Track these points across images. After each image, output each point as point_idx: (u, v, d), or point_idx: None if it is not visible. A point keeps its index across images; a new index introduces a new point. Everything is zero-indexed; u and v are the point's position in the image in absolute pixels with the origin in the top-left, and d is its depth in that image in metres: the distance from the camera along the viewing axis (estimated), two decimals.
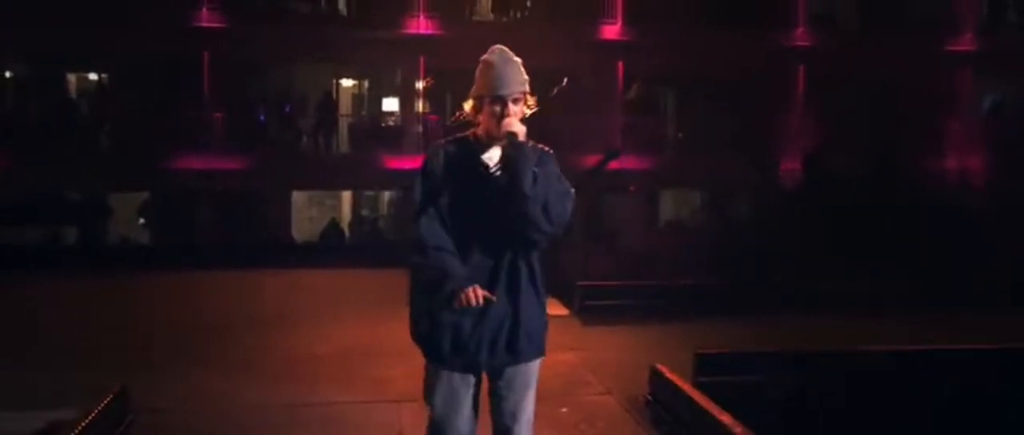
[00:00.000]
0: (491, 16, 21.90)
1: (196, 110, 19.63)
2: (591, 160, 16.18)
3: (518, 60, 3.22)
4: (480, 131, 3.24)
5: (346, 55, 20.95)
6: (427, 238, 3.13)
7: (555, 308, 9.02)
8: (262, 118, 20.76)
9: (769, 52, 21.70)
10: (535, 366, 3.30)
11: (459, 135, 3.32)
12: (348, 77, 23.09)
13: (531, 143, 3.18)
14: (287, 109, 20.77)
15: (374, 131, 21.59)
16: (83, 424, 4.65)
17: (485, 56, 3.24)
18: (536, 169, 3.09)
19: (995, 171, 21.06)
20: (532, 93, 3.25)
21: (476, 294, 3.09)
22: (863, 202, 15.44)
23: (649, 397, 5.62)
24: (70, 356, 7.25)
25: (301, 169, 20.35)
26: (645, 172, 21.06)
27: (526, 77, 3.21)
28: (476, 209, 3.15)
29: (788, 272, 11.26)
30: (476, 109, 3.23)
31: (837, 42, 22.06)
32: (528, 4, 22.19)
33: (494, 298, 3.11)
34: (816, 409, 5.63)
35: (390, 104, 22.65)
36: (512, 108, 3.15)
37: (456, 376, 3.24)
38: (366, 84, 23.44)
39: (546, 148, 3.25)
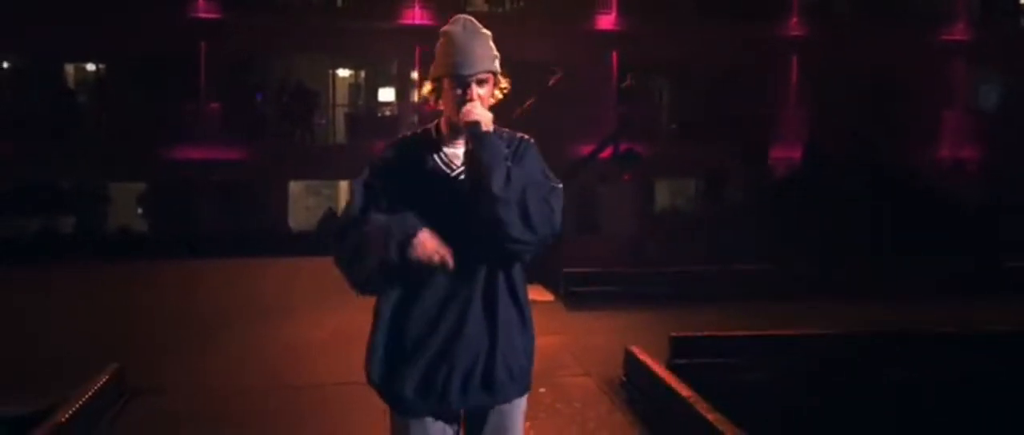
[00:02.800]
0: (486, 7, 22.04)
1: (193, 101, 19.81)
2: (586, 149, 16.40)
3: (487, 33, 2.64)
4: (443, 122, 2.68)
5: (342, 45, 21.13)
6: (353, 210, 2.62)
7: (540, 294, 9.23)
8: (259, 107, 20.94)
9: (763, 41, 21.85)
10: (519, 407, 2.71)
11: (420, 129, 2.77)
12: (344, 67, 23.26)
13: (505, 132, 2.64)
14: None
15: (370, 121, 21.77)
16: (80, 402, 4.87)
17: (446, 27, 2.64)
18: (511, 164, 2.52)
19: (990, 160, 21.30)
20: (504, 74, 2.67)
21: (434, 246, 2.50)
22: (851, 189, 15.64)
23: (624, 378, 5.82)
24: (68, 340, 7.47)
25: (297, 159, 20.53)
26: (642, 160, 21.23)
27: (496, 53, 2.63)
28: (439, 219, 2.55)
29: (775, 259, 11.48)
30: (435, 93, 2.66)
31: (830, 31, 22.21)
32: None
33: (451, 264, 2.51)
34: (785, 390, 5.83)
35: (386, 94, 22.85)
36: (477, 91, 2.58)
37: (429, 427, 2.66)
38: (362, 74, 23.62)
39: (525, 137, 2.69)
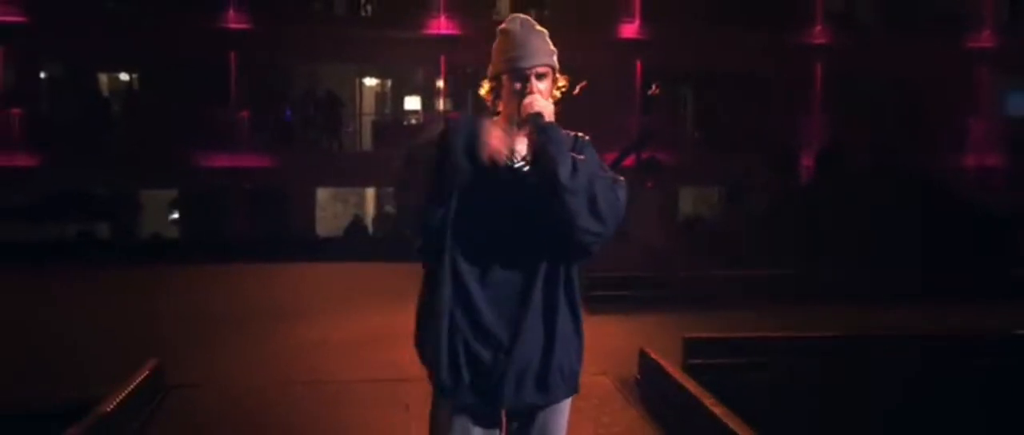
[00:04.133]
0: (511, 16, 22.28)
1: (223, 109, 20.21)
2: (608, 158, 16.59)
3: (543, 30, 2.62)
4: (501, 119, 2.62)
5: (369, 55, 21.45)
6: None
7: None
8: (288, 117, 21.33)
9: (787, 49, 21.90)
10: (566, 407, 2.70)
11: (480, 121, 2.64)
12: (371, 76, 23.60)
13: (563, 130, 2.58)
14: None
15: (396, 129, 22.08)
16: (120, 397, 5.14)
17: (503, 25, 2.63)
18: (575, 155, 2.49)
19: (1016, 167, 21.24)
20: (563, 72, 2.66)
21: (501, 139, 2.47)
22: (876, 197, 15.73)
23: (639, 377, 6.02)
24: (106, 338, 7.78)
25: (324, 167, 20.86)
26: (664, 168, 21.35)
27: (553, 49, 2.62)
28: (499, 216, 2.52)
29: (798, 265, 11.63)
30: (493, 91, 2.65)
31: (855, 39, 22.23)
32: (547, 3, 22.56)
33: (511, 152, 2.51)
34: (793, 389, 6.00)
35: (412, 103, 23.17)
36: (536, 85, 2.56)
37: (470, 427, 2.59)
38: (388, 83, 23.95)
39: (583, 134, 2.66)
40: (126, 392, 5.13)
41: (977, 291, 10.06)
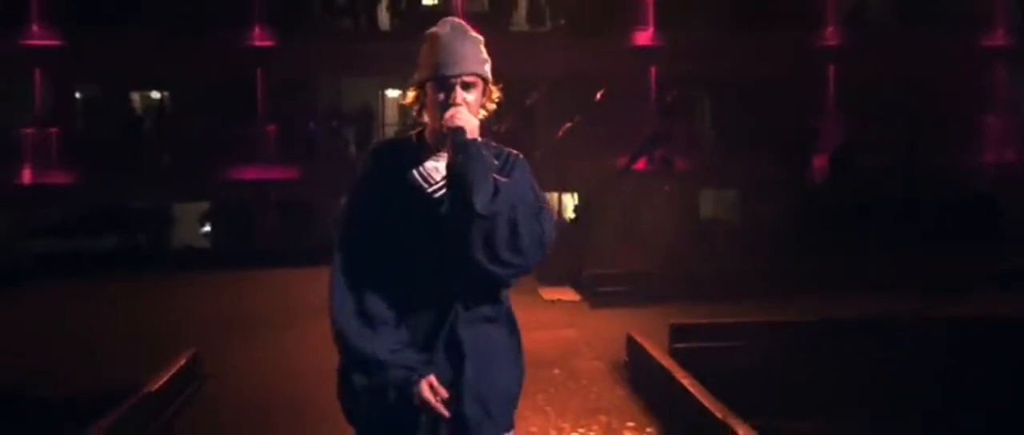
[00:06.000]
0: (528, 26, 22.87)
1: (251, 124, 21.00)
2: (620, 162, 17.11)
3: (478, 37, 2.39)
4: (428, 133, 2.39)
5: (391, 68, 22.09)
6: (337, 304, 2.30)
7: (568, 294, 10.06)
8: (312, 130, 22.07)
9: (800, 52, 22.22)
10: None
11: (402, 135, 2.56)
12: (393, 88, 24.30)
13: (493, 145, 2.35)
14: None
15: None
16: (161, 382, 5.79)
17: (432, 29, 2.39)
18: (500, 178, 2.25)
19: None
20: (496, 83, 2.41)
21: (436, 391, 2.21)
22: (888, 197, 16.16)
23: (627, 360, 6.60)
24: (146, 333, 8.52)
25: (349, 177, 21.47)
26: (681, 173, 21.76)
27: (486, 58, 2.38)
28: (415, 239, 2.29)
29: (801, 261, 12.13)
30: (418, 100, 2.40)
31: (868, 39, 22.50)
32: (561, 14, 23.08)
33: (447, 415, 2.23)
34: (769, 369, 6.53)
35: None
36: (462, 95, 2.30)
37: None
38: (409, 95, 24.59)
39: (515, 153, 2.40)
40: (166, 377, 5.78)
41: (974, 282, 10.49)
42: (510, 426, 2.36)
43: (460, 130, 2.24)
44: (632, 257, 12.22)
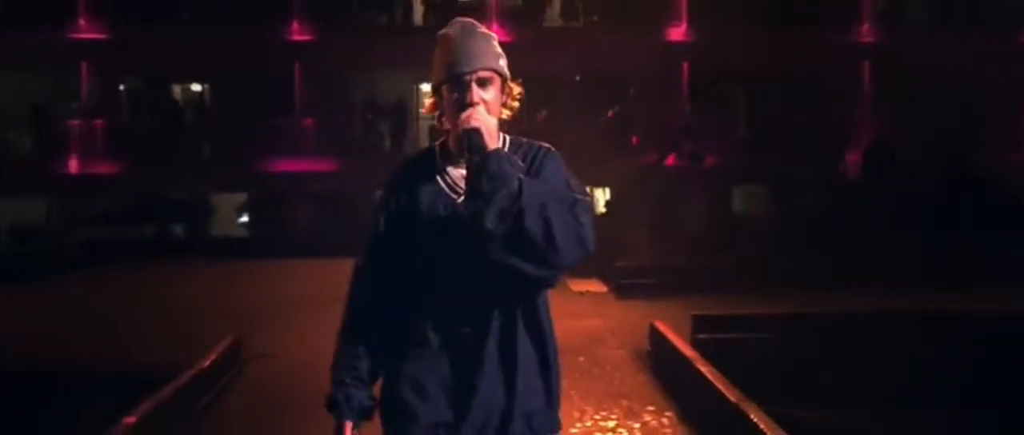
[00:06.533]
0: (561, 21, 23.05)
1: (289, 117, 21.43)
2: (667, 160, 17.23)
3: (490, 33, 2.32)
4: (451, 140, 2.31)
5: (424, 62, 22.38)
6: (350, 310, 2.41)
7: (596, 286, 10.31)
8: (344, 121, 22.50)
9: (835, 48, 22.21)
10: None
11: (426, 147, 2.48)
12: (427, 82, 24.59)
13: (524, 142, 2.29)
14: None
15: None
16: (206, 364, 6.13)
17: (442, 31, 2.33)
18: (523, 177, 2.11)
19: None
20: (515, 80, 2.33)
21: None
22: (922, 194, 16.19)
23: (649, 349, 6.84)
24: (190, 316, 8.90)
25: (384, 170, 21.81)
26: (715, 169, 21.85)
27: (500, 53, 2.29)
28: (448, 251, 2.20)
29: (832, 257, 12.26)
30: (437, 106, 2.32)
31: (904, 36, 22.44)
32: (595, 9, 23.22)
33: None
34: (788, 359, 6.74)
35: None
36: (479, 93, 2.21)
37: None
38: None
39: (546, 146, 2.29)
40: (211, 359, 6.12)
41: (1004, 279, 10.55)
42: (557, 427, 2.30)
43: (475, 131, 2.13)
44: (661, 251, 12.42)
